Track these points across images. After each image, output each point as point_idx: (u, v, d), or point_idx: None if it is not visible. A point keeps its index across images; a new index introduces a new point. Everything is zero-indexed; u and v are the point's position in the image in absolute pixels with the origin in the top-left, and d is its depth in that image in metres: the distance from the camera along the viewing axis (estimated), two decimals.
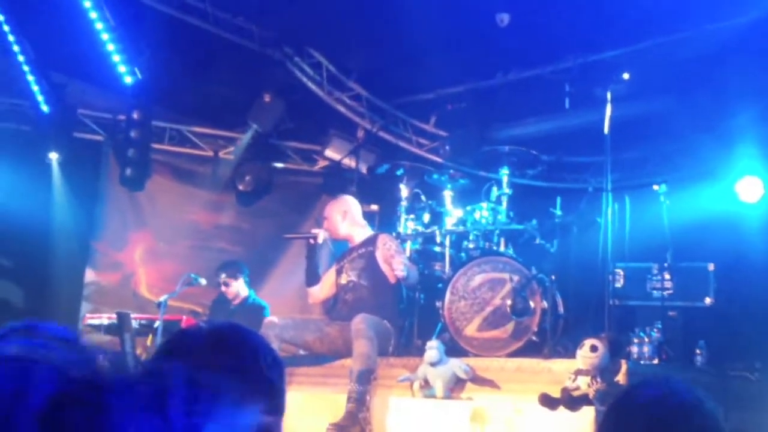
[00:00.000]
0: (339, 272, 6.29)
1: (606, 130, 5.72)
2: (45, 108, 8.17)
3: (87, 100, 8.52)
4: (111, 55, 7.89)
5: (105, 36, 7.80)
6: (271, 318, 6.08)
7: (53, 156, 8.38)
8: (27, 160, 8.15)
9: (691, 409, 1.74)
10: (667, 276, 5.72)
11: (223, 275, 7.35)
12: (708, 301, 5.69)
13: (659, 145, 7.27)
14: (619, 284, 5.80)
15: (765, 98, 6.47)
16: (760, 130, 6.42)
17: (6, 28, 7.72)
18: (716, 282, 5.72)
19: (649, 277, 5.83)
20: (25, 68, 7.99)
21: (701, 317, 5.73)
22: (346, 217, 6.38)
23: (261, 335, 1.64)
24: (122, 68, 7.97)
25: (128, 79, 8.03)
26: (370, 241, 6.21)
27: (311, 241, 6.36)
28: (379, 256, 6.09)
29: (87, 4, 7.59)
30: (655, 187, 5.85)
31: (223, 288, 7.35)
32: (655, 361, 5.12)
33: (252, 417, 1.47)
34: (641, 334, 5.19)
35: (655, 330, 5.23)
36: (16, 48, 7.85)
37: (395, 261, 5.81)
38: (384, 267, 6.07)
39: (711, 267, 5.74)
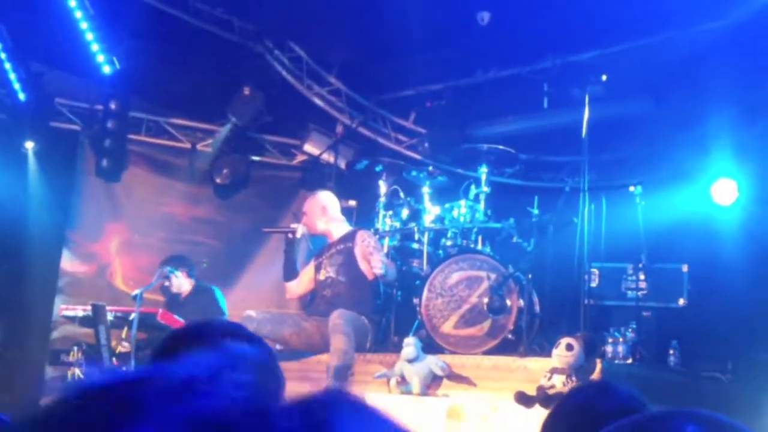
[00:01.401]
0: (317, 268, 6.31)
1: (584, 131, 5.79)
2: (22, 96, 8.08)
3: (64, 89, 8.44)
4: (90, 44, 7.82)
5: (84, 25, 7.73)
6: (248, 312, 6.08)
7: (29, 145, 8.30)
8: (2, 149, 8.06)
9: (619, 412, 1.76)
10: (641, 276, 5.79)
11: (164, 270, 7.21)
12: (681, 302, 5.77)
13: (636, 146, 7.35)
14: (594, 284, 5.86)
15: (741, 101, 6.56)
16: (735, 133, 6.50)
17: None
18: (690, 283, 5.80)
19: (624, 278, 5.90)
20: (2, 56, 7.90)
21: (675, 318, 5.81)
22: (325, 213, 6.40)
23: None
24: (101, 57, 7.90)
25: (106, 69, 7.96)
26: (349, 237, 6.23)
27: (290, 235, 6.38)
28: (358, 252, 6.11)
29: None
30: (631, 189, 5.92)
31: (166, 283, 7.21)
32: (629, 361, 5.19)
33: None
34: (616, 333, 5.26)
35: (630, 330, 5.30)
36: None
37: (374, 258, 5.84)
38: (362, 263, 6.09)
39: (685, 268, 5.83)
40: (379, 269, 5.76)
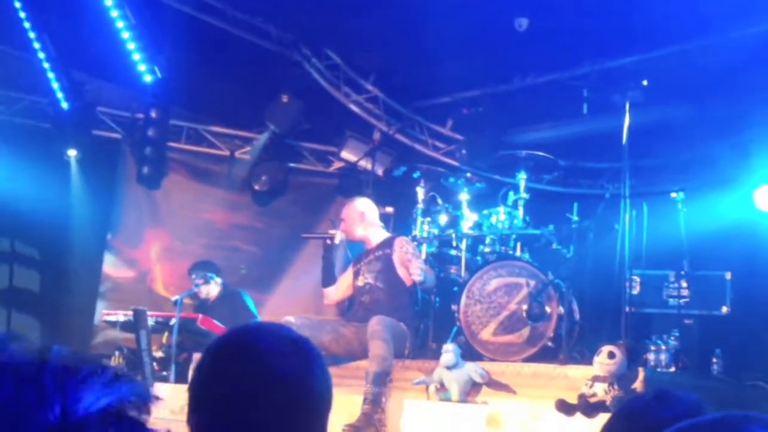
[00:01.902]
0: (356, 274, 6.32)
1: (624, 137, 5.73)
2: (64, 105, 8.23)
3: (106, 98, 8.58)
4: (131, 53, 7.94)
5: (125, 35, 7.84)
6: (287, 318, 6.10)
7: (72, 153, 8.44)
8: (46, 157, 8.20)
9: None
10: (683, 284, 5.71)
11: (193, 276, 7.27)
12: (725, 309, 5.68)
13: (677, 152, 7.26)
14: (635, 291, 5.79)
15: None
16: None
17: (27, 25, 7.78)
18: (733, 291, 5.70)
19: (666, 285, 5.82)
20: (46, 65, 8.05)
21: (718, 326, 5.72)
22: (363, 219, 6.41)
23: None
24: (141, 67, 8.01)
25: (147, 78, 8.07)
26: (387, 244, 6.23)
27: (328, 241, 6.39)
28: (396, 258, 6.11)
29: (108, 3, 7.64)
30: (673, 195, 5.85)
31: (195, 289, 7.25)
32: (672, 369, 5.12)
33: None
34: (658, 341, 5.19)
35: (672, 338, 5.23)
36: (36, 45, 7.91)
37: (412, 265, 5.83)
38: (400, 270, 6.09)
39: (728, 275, 5.73)
40: (417, 276, 5.76)
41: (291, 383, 1.42)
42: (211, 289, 7.30)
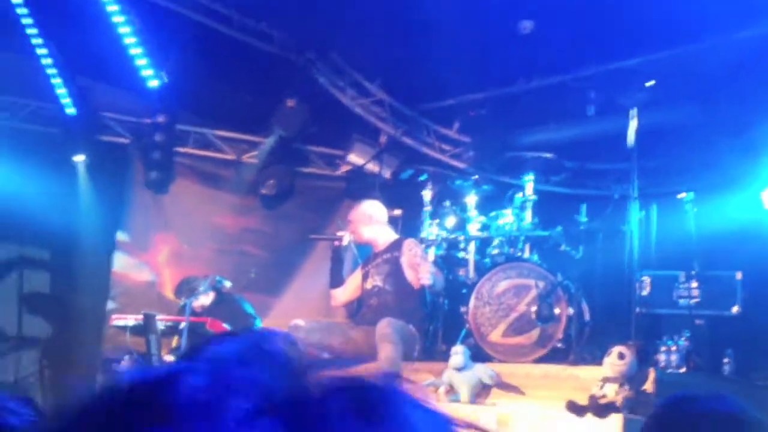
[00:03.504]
0: (364, 276, 6.33)
1: (631, 139, 5.74)
2: (71, 111, 8.25)
3: (113, 103, 8.60)
4: (136, 58, 7.97)
5: (131, 40, 7.87)
6: (296, 321, 6.12)
7: (79, 158, 8.46)
8: (54, 163, 8.21)
9: (741, 420, 1.76)
10: (694, 284, 5.71)
11: (182, 299, 7.06)
12: (735, 309, 5.67)
13: (683, 153, 7.26)
14: (645, 292, 5.79)
15: None
16: None
17: (33, 31, 7.80)
18: (744, 291, 5.69)
19: (676, 285, 5.82)
20: (52, 71, 8.07)
21: (728, 326, 5.71)
22: (371, 221, 6.42)
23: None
24: (147, 72, 8.04)
25: (153, 83, 8.10)
26: (395, 246, 6.25)
27: (336, 243, 6.41)
28: (404, 261, 6.12)
29: (113, 8, 7.66)
30: (682, 195, 5.86)
31: (182, 302, 7.11)
32: (683, 370, 5.12)
33: None
34: (669, 342, 5.20)
35: (683, 338, 5.23)
36: (42, 51, 7.94)
37: (422, 268, 5.84)
38: (408, 273, 6.10)
39: (738, 276, 5.73)
40: (427, 280, 5.77)
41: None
42: (202, 300, 7.10)
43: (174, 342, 6.51)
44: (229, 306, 7.17)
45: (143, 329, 6.33)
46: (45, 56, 7.98)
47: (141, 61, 7.99)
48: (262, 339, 0.65)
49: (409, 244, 6.22)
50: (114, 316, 7.12)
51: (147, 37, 7.90)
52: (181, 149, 8.73)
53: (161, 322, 6.41)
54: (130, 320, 6.65)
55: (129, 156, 8.63)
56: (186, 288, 7.24)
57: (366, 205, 6.59)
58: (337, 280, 6.45)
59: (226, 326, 6.75)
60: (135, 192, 8.56)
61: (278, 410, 0.59)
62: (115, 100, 8.60)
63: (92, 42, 7.91)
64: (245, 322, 6.82)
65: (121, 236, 8.50)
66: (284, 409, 0.59)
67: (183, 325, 6.32)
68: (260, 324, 6.69)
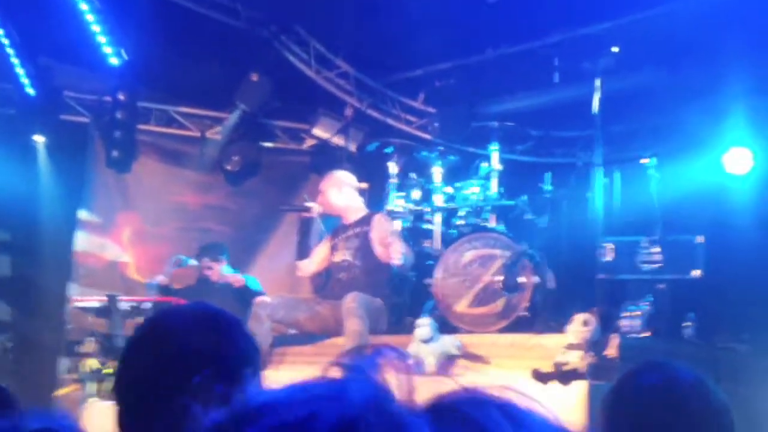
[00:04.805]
0: (333, 249, 6.27)
1: (596, 105, 5.71)
2: (30, 91, 8.10)
3: (73, 83, 8.45)
4: (96, 36, 7.82)
5: (90, 17, 7.72)
6: (262, 297, 6.07)
7: (39, 139, 8.33)
8: (13, 144, 8.09)
9: (697, 388, 1.74)
10: (656, 249, 5.70)
11: (205, 259, 7.23)
12: (697, 273, 5.68)
13: (648, 118, 7.25)
14: (608, 258, 5.79)
15: (755, 68, 6.45)
16: (749, 101, 6.39)
17: None
18: (705, 254, 5.70)
19: (639, 251, 5.81)
20: (10, 51, 7.91)
21: (690, 290, 5.72)
22: (342, 193, 6.35)
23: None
24: (108, 49, 7.90)
25: (114, 61, 7.96)
26: (365, 221, 6.19)
27: (305, 214, 6.34)
28: (374, 236, 6.07)
29: None
30: (644, 161, 5.85)
31: (206, 272, 7.23)
32: (646, 334, 5.13)
33: None
34: (631, 307, 5.21)
35: (645, 303, 5.24)
36: (0, 31, 7.78)
37: (393, 249, 5.80)
38: (378, 248, 6.05)
39: (700, 239, 5.73)
40: (398, 260, 5.74)
41: (205, 356, 1.41)
42: (223, 270, 7.17)
43: (138, 323, 6.44)
44: (217, 290, 7.09)
45: (106, 310, 6.26)
46: (2, 36, 7.81)
47: (101, 39, 7.85)
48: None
49: (380, 219, 6.16)
50: (76, 298, 7.05)
51: (106, 14, 7.75)
52: (143, 127, 8.60)
53: (125, 302, 6.34)
54: (93, 302, 6.59)
55: (90, 135, 8.49)
56: (211, 251, 7.26)
57: (338, 174, 6.51)
58: (304, 252, 6.38)
59: None
60: (97, 171, 8.44)
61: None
62: (75, 78, 8.45)
63: (51, 20, 7.76)
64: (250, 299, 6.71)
65: (83, 216, 8.39)
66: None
67: (147, 305, 6.27)
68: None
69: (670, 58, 7.06)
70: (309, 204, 6.36)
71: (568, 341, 4.69)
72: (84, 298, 6.85)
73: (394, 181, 6.72)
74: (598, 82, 5.77)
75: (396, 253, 5.74)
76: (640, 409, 1.71)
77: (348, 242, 6.20)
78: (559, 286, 5.75)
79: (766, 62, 6.47)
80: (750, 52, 6.40)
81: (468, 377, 5.09)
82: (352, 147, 8.15)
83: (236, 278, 6.71)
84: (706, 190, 6.28)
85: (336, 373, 0.63)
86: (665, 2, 6.79)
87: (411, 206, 6.54)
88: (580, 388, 4.51)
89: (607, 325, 4.77)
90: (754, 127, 6.43)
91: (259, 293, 6.92)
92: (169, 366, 1.42)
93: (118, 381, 1.48)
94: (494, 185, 6.36)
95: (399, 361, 0.63)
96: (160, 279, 6.98)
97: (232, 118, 8.55)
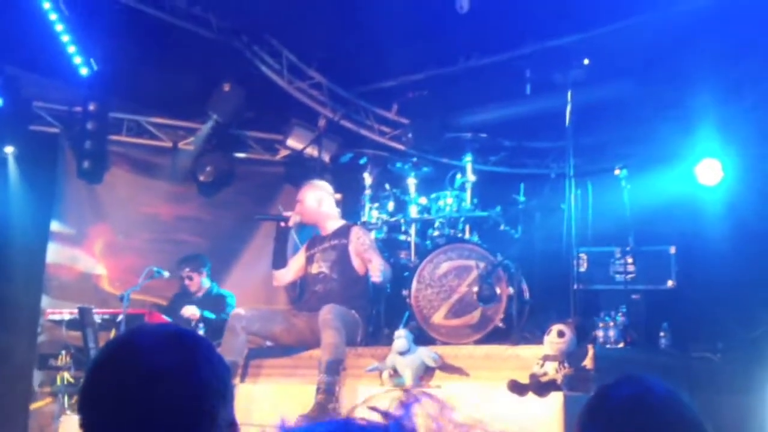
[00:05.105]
0: (309, 260, 6.24)
1: (567, 117, 5.76)
2: None
3: (42, 93, 8.36)
4: (65, 46, 7.75)
5: (59, 27, 7.65)
6: (237, 310, 6.03)
7: (8, 150, 8.22)
8: None
9: (669, 402, 1.76)
10: (629, 260, 5.78)
11: (186, 269, 7.29)
12: (670, 283, 5.75)
13: (619, 129, 7.34)
14: (582, 269, 5.84)
15: (723, 79, 6.56)
16: (719, 113, 6.50)
17: None
18: (678, 264, 5.78)
19: (612, 261, 5.88)
20: None
21: (664, 300, 5.79)
22: (321, 203, 6.31)
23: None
24: (77, 59, 7.83)
25: (83, 71, 7.89)
26: (343, 233, 6.15)
27: (282, 224, 6.30)
28: (352, 249, 6.05)
29: None
30: (616, 172, 5.91)
31: (186, 282, 7.28)
32: (621, 345, 5.17)
33: None
34: (606, 318, 5.24)
35: (620, 314, 5.29)
36: None
37: (372, 266, 5.80)
38: (355, 260, 6.04)
39: (672, 250, 5.81)
40: (377, 278, 5.74)
41: (170, 378, 1.41)
42: (203, 283, 7.26)
43: (112, 335, 6.38)
44: (216, 301, 7.12)
45: (79, 323, 6.19)
46: None
47: (70, 49, 7.78)
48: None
49: (357, 231, 6.13)
50: (49, 311, 6.97)
51: (75, 24, 7.68)
52: (115, 137, 8.53)
53: (98, 315, 6.27)
54: (66, 314, 6.52)
55: (60, 146, 8.41)
56: (192, 262, 7.37)
57: (317, 185, 6.46)
58: (280, 262, 6.33)
59: (165, 318, 6.65)
60: (68, 182, 8.35)
61: None
62: (45, 89, 8.37)
63: (19, 30, 7.66)
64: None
65: (55, 227, 8.29)
66: None
67: (120, 317, 6.21)
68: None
69: (640, 69, 7.16)
70: (286, 213, 6.32)
71: (544, 352, 4.71)
72: (57, 311, 6.77)
73: (368, 192, 6.72)
74: (569, 94, 5.82)
75: (375, 271, 5.74)
76: (611, 422, 1.73)
77: (325, 254, 6.16)
78: (534, 297, 5.79)
79: (734, 74, 6.59)
80: (718, 64, 6.51)
81: (445, 389, 5.10)
82: (326, 158, 8.14)
83: (193, 313, 6.66)
84: (677, 200, 6.37)
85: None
86: (635, 15, 6.89)
87: (385, 217, 6.55)
88: (556, 400, 4.53)
89: (582, 336, 4.80)
90: (724, 138, 6.54)
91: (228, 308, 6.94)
92: (135, 385, 1.41)
93: (82, 398, 1.48)
94: (468, 196, 6.38)
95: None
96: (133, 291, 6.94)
97: (204, 128, 8.52)
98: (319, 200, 6.29)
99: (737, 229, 6.21)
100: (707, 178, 6.56)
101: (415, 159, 6.83)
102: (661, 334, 5.61)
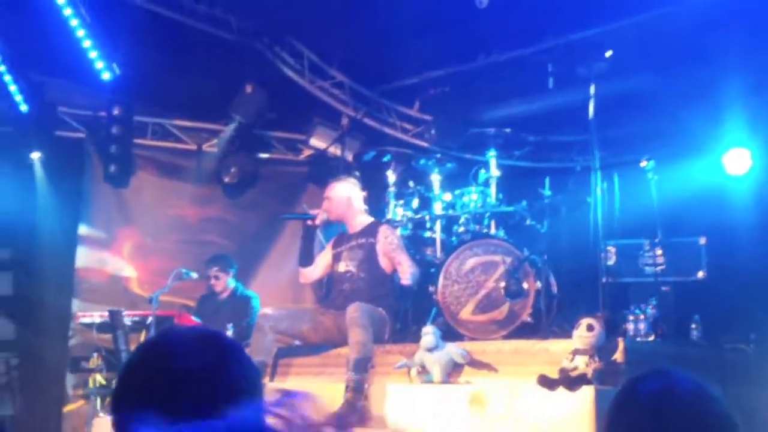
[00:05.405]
0: (336, 258, 6.24)
1: (591, 110, 5.72)
2: (24, 107, 8.08)
3: (67, 98, 8.44)
4: (88, 51, 7.81)
5: (81, 32, 7.72)
6: (264, 309, 6.05)
7: (35, 155, 8.31)
8: (9, 161, 8.06)
9: (696, 396, 1.74)
10: (658, 252, 5.72)
11: (214, 269, 7.33)
12: (700, 274, 5.70)
13: (645, 121, 7.27)
14: (611, 262, 5.80)
15: (751, 68, 6.48)
16: (746, 102, 6.41)
17: None
18: (708, 255, 5.72)
19: (641, 254, 5.82)
20: (2, 68, 7.89)
21: (694, 291, 5.74)
22: (351, 199, 6.30)
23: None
24: (100, 64, 7.89)
25: (106, 75, 7.95)
26: (371, 232, 6.14)
27: (309, 222, 6.30)
28: (379, 249, 6.05)
29: (61, 1, 7.50)
30: (643, 164, 5.86)
31: (212, 281, 7.33)
32: (651, 338, 5.13)
33: None
34: (636, 311, 5.20)
35: (650, 306, 5.24)
36: None
37: (402, 269, 5.87)
38: (383, 260, 6.04)
39: (702, 241, 5.75)
40: (407, 280, 5.79)
41: (201, 378, 1.41)
42: (228, 283, 7.30)
43: (142, 337, 6.43)
44: (241, 302, 7.18)
45: (110, 326, 6.25)
46: None
47: (92, 54, 7.83)
48: None
49: (385, 231, 6.12)
50: (80, 314, 7.04)
51: (97, 29, 7.73)
52: (140, 141, 8.60)
53: (128, 317, 6.32)
54: (96, 317, 6.58)
55: (86, 150, 8.48)
56: (220, 261, 7.42)
57: (348, 182, 6.44)
58: (307, 259, 6.34)
59: (195, 320, 6.69)
60: (94, 187, 8.43)
61: None
62: (69, 94, 8.44)
63: (43, 37, 7.74)
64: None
65: (83, 231, 8.37)
66: None
67: (150, 319, 6.25)
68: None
69: (664, 61, 7.08)
70: (313, 211, 6.32)
71: (574, 346, 4.68)
72: (88, 314, 6.83)
73: (392, 189, 6.71)
74: (592, 87, 5.77)
75: (405, 274, 5.78)
76: (639, 416, 1.71)
77: (352, 252, 6.15)
78: (562, 291, 5.75)
79: (762, 62, 6.50)
80: (746, 53, 6.43)
81: (474, 385, 5.08)
82: (349, 156, 8.13)
83: (194, 323, 6.72)
84: (706, 191, 6.29)
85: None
86: (659, 6, 6.81)
87: (410, 214, 6.53)
88: (587, 394, 4.50)
89: (612, 329, 4.76)
90: (752, 127, 6.45)
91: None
92: (167, 385, 1.42)
93: (115, 400, 1.49)
94: (493, 192, 6.35)
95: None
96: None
97: (228, 130, 8.56)
98: (348, 195, 6.29)
99: (767, 218, 6.13)
100: (735, 168, 6.48)
101: (438, 155, 6.81)
102: (692, 326, 5.55)
